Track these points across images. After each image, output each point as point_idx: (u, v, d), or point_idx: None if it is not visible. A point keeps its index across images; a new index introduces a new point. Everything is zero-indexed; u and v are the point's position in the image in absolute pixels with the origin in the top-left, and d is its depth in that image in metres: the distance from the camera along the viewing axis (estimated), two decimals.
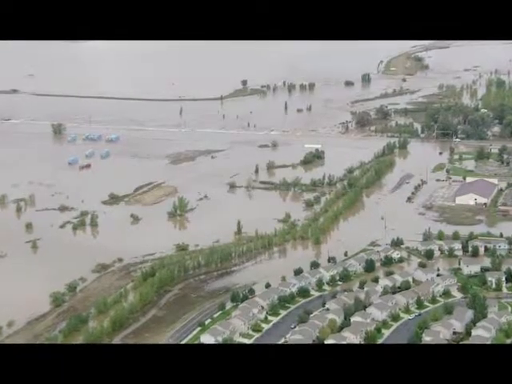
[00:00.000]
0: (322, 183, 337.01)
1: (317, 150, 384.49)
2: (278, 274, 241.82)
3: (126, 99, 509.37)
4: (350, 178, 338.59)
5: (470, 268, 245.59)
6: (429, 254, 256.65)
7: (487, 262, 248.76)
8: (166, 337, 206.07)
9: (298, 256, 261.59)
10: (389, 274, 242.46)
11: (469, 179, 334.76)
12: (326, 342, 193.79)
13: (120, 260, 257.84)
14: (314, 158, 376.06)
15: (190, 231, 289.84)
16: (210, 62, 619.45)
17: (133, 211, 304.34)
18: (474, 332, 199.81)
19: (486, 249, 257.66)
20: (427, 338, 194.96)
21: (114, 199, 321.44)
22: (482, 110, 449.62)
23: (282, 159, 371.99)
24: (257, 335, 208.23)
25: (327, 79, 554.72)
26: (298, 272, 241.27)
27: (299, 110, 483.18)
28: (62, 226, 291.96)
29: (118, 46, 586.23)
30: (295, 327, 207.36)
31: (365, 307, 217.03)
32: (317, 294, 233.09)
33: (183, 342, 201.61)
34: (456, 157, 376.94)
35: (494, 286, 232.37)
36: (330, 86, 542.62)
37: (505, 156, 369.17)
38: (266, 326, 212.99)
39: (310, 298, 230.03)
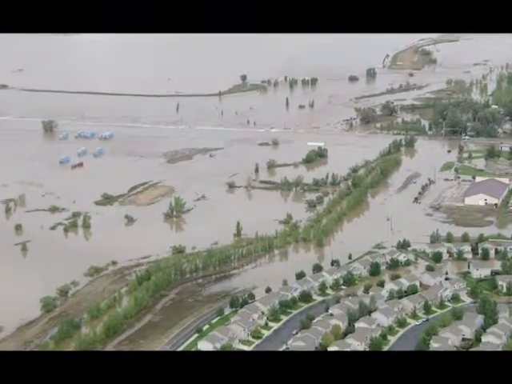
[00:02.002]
0: (325, 183, 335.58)
1: (319, 148, 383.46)
2: (279, 277, 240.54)
3: (120, 95, 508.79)
4: (355, 178, 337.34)
5: (480, 271, 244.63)
6: (437, 257, 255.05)
7: (498, 265, 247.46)
8: (162, 343, 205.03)
9: (299, 259, 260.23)
10: (395, 277, 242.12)
11: (478, 179, 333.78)
12: (329, 349, 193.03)
13: (114, 263, 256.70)
14: (316, 157, 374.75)
15: (187, 233, 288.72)
16: (208, 56, 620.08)
17: (127, 212, 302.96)
18: (483, 338, 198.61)
19: (497, 251, 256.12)
20: (435, 345, 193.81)
21: (107, 199, 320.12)
22: (493, 107, 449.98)
23: (283, 158, 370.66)
24: (257, 342, 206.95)
25: (330, 74, 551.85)
26: (299, 276, 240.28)
27: (301, 107, 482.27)
28: (52, 228, 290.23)
29: (112, 39, 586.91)
30: (297, 333, 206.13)
31: (370, 312, 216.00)
32: (320, 298, 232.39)
33: (180, 349, 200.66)
34: (465, 155, 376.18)
35: (504, 290, 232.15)
36: (333, 81, 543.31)
37: None
38: (266, 333, 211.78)
39: (312, 303, 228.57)
